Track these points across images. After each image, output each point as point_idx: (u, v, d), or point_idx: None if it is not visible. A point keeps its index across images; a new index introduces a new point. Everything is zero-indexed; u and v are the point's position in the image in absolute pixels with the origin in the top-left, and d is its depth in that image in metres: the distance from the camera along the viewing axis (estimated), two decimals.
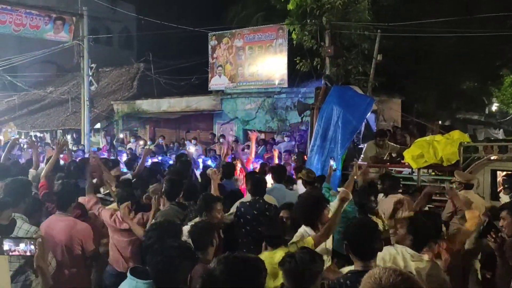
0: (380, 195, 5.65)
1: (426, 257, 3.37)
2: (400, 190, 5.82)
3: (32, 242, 2.41)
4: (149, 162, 9.04)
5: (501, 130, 20.73)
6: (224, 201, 5.38)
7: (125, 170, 8.01)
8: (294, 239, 3.93)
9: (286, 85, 15.78)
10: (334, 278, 2.90)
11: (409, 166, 7.18)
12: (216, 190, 5.07)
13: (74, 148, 15.08)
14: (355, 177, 5.60)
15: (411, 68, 16.31)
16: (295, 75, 15.23)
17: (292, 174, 7.54)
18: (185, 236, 3.55)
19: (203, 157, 11.43)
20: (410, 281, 1.61)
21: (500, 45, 15.99)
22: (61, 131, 22.54)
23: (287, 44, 15.54)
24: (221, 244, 4.12)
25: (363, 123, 8.60)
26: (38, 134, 21.99)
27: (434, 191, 5.61)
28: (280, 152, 10.55)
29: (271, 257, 3.50)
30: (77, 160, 8.24)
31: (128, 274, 2.78)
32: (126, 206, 4.43)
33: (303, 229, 4.02)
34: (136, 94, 21.70)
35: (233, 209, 5.07)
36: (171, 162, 9.58)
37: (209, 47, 17.81)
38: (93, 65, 17.87)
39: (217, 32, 17.64)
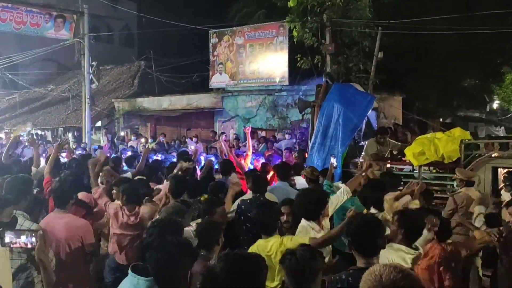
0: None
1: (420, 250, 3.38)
2: (401, 188, 5.82)
3: (33, 235, 2.41)
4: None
5: (502, 127, 20.73)
6: (224, 199, 5.41)
7: (125, 168, 8.01)
8: (298, 233, 3.95)
9: (287, 82, 15.76)
10: (336, 275, 2.91)
11: (410, 164, 7.19)
12: (229, 202, 4.90)
13: (74, 146, 15.11)
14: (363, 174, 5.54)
15: (412, 65, 16.30)
16: (296, 73, 15.21)
17: None
18: (190, 238, 3.57)
19: (204, 154, 11.45)
20: (411, 278, 1.61)
21: (501, 42, 15.98)
22: (62, 129, 22.56)
23: (288, 42, 15.51)
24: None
25: (364, 121, 8.60)
26: (39, 132, 22.02)
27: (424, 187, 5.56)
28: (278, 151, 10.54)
29: (265, 245, 3.51)
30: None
31: (129, 271, 2.78)
32: None
33: (305, 223, 4.02)
34: (137, 92, 21.70)
35: (234, 207, 5.07)
36: (174, 160, 9.58)
37: (210, 44, 17.78)
38: (94, 63, 17.87)
39: (218, 30, 17.62)
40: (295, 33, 13.90)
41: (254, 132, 15.42)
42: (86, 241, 4.20)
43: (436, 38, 14.54)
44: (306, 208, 4.04)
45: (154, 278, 2.55)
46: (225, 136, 14.58)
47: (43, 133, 22.20)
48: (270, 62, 16.17)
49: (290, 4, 13.25)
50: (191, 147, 12.95)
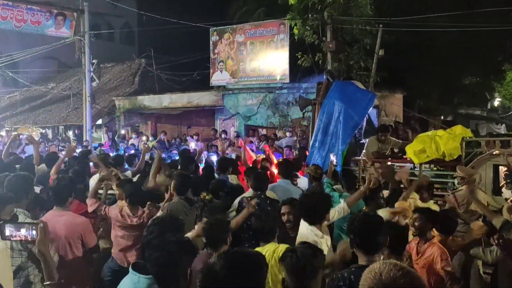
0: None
1: None
2: (402, 185, 5.82)
3: (33, 227, 2.39)
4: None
5: (503, 125, 20.68)
6: (225, 197, 5.42)
7: (126, 167, 8.01)
8: (298, 239, 3.87)
9: (287, 80, 15.75)
10: (338, 273, 2.91)
11: (411, 161, 7.17)
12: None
13: (74, 144, 15.11)
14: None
15: (413, 63, 16.26)
16: (296, 70, 15.20)
17: None
18: None
19: (205, 152, 11.45)
20: (410, 275, 1.60)
21: (503, 40, 15.94)
22: (62, 127, 22.57)
23: (288, 39, 15.50)
24: None
25: (365, 119, 8.58)
26: (40, 130, 22.02)
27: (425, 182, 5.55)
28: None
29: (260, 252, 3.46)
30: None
31: (130, 269, 2.78)
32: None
33: (307, 228, 3.90)
34: (137, 90, 21.68)
35: (234, 205, 5.08)
36: (177, 158, 9.58)
37: (211, 42, 17.77)
38: (95, 61, 17.87)
39: (218, 28, 17.61)
40: (295, 31, 13.88)
41: (255, 130, 15.43)
42: (86, 238, 4.21)
43: (437, 36, 14.51)
44: (309, 211, 3.94)
45: (153, 276, 2.55)
46: (226, 134, 14.58)
47: (43, 131, 22.22)
48: (271, 59, 16.16)
49: (291, 1, 13.24)
50: (192, 145, 12.96)
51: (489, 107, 22.68)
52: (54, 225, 4.07)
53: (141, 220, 4.73)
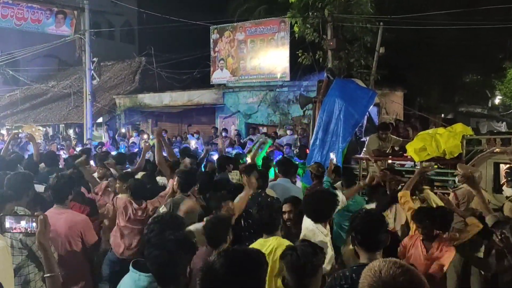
0: None
1: None
2: (403, 184, 5.81)
3: (33, 220, 2.39)
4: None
5: (504, 123, 20.65)
6: (227, 195, 5.42)
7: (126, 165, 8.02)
8: (303, 236, 3.86)
9: (288, 78, 15.74)
10: (340, 272, 2.92)
11: (411, 159, 7.17)
12: (245, 198, 4.66)
13: (74, 142, 15.14)
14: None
15: (414, 60, 16.25)
16: (297, 68, 15.19)
17: None
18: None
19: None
20: (410, 273, 1.60)
21: (503, 38, 15.92)
22: (63, 125, 22.58)
23: (289, 37, 15.49)
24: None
25: (365, 116, 8.57)
26: (41, 128, 22.03)
27: (427, 170, 5.54)
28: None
29: (263, 244, 3.48)
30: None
31: (131, 267, 2.78)
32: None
33: (312, 225, 3.86)
34: (138, 88, 21.68)
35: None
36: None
37: (211, 40, 17.76)
38: (95, 59, 17.88)
39: (218, 26, 17.59)
40: (296, 29, 13.87)
41: (255, 128, 15.43)
42: (86, 236, 4.21)
43: (438, 33, 14.49)
44: (315, 210, 3.90)
45: (153, 274, 2.55)
46: (226, 132, 14.58)
47: (44, 129, 22.23)
48: (271, 57, 16.15)
49: None
50: (192, 143, 12.98)
51: (489, 105, 22.66)
52: (54, 223, 4.05)
53: (145, 214, 4.83)
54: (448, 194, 5.97)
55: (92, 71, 17.79)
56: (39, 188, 5.09)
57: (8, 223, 2.39)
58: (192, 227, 3.86)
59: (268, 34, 16.26)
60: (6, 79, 23.56)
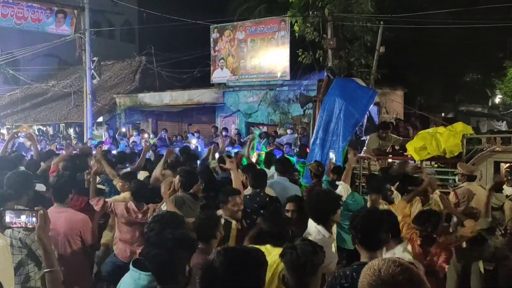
0: None
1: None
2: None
3: (33, 214, 2.39)
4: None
5: (504, 122, 20.67)
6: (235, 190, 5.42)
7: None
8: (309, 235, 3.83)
9: (288, 77, 15.73)
10: (340, 270, 2.92)
11: (412, 158, 7.17)
12: (236, 179, 4.94)
13: (75, 142, 15.13)
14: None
15: (414, 60, 16.25)
16: (297, 68, 15.19)
17: None
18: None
19: (206, 149, 11.45)
20: (409, 272, 1.60)
21: (504, 37, 15.91)
22: (63, 124, 22.58)
23: (289, 36, 15.47)
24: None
25: (366, 116, 8.57)
26: (41, 128, 22.05)
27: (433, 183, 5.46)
28: None
29: (269, 251, 3.42)
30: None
31: (131, 266, 2.79)
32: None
33: (315, 227, 3.80)
34: (138, 87, 21.68)
35: None
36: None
37: (211, 39, 17.74)
38: (95, 59, 17.86)
39: (219, 25, 17.57)
40: (296, 28, 13.86)
41: (255, 127, 15.43)
42: (85, 235, 4.21)
43: (438, 33, 14.48)
44: (316, 209, 3.86)
45: (152, 273, 2.55)
46: (227, 131, 14.58)
47: (45, 128, 22.23)
48: (272, 57, 16.13)
49: None
50: (193, 142, 12.99)
51: (490, 104, 22.68)
52: (55, 222, 4.05)
53: (146, 217, 4.75)
54: (448, 193, 5.97)
55: (92, 71, 17.77)
56: (42, 188, 5.10)
57: (8, 217, 2.39)
58: None
59: (268, 33, 16.25)
60: (7, 79, 23.58)
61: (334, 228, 4.18)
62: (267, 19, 16.52)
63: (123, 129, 19.24)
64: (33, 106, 24.08)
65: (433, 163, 7.49)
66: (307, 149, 9.14)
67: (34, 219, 2.37)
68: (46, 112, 23.03)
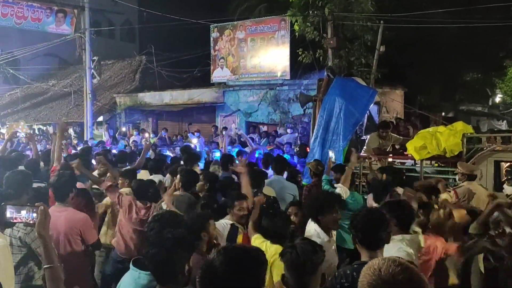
0: None
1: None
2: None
3: (34, 210, 2.39)
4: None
5: (505, 121, 20.66)
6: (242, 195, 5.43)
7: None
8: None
9: (288, 77, 15.72)
10: (340, 270, 2.92)
11: (412, 158, 7.17)
12: (246, 184, 4.72)
13: (76, 142, 15.13)
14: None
15: (414, 59, 16.23)
16: (297, 67, 15.18)
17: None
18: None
19: (207, 149, 11.49)
20: (410, 271, 1.59)
21: (504, 36, 15.89)
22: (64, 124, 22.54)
23: (289, 36, 15.46)
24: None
25: (366, 115, 8.57)
26: (41, 127, 22.05)
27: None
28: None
29: (267, 247, 3.45)
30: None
31: (131, 265, 2.79)
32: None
33: (313, 229, 3.83)
34: (138, 87, 21.68)
35: None
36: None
37: (211, 39, 17.73)
38: (95, 58, 17.87)
39: (219, 24, 17.56)
40: (296, 27, 13.85)
41: (255, 126, 15.44)
42: (85, 234, 4.21)
43: (438, 31, 14.46)
44: (311, 208, 3.89)
45: (151, 273, 2.55)
46: (227, 131, 14.57)
47: (45, 128, 22.23)
48: (272, 56, 16.13)
49: None
50: (193, 141, 12.99)
51: (490, 103, 22.68)
52: (55, 222, 4.06)
53: (148, 214, 4.76)
54: (449, 192, 5.96)
55: (93, 70, 17.78)
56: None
57: (9, 212, 2.39)
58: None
59: (268, 32, 16.24)
60: (7, 78, 23.59)
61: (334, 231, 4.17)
62: (267, 19, 16.52)
63: (123, 129, 19.25)
64: (33, 106, 24.09)
65: (433, 162, 7.49)
66: (307, 148, 9.14)
67: (34, 214, 2.37)
68: (46, 112, 23.03)
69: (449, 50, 16.23)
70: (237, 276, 1.78)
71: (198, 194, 5.10)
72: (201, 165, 7.95)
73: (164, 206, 4.72)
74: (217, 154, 9.94)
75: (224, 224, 4.04)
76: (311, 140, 8.67)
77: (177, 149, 11.22)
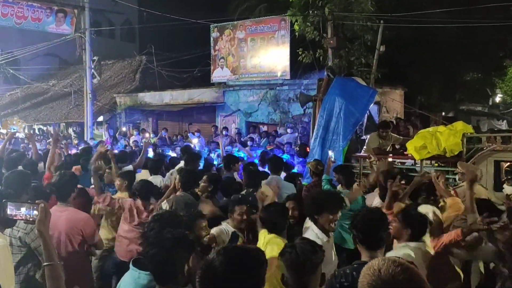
0: None
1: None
2: (403, 181, 5.78)
3: (34, 207, 2.39)
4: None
5: (505, 121, 20.66)
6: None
7: None
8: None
9: (288, 76, 15.72)
10: (340, 270, 2.92)
11: (412, 158, 7.17)
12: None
13: (76, 142, 15.14)
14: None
15: (414, 58, 16.23)
16: (297, 67, 15.17)
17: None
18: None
19: (206, 149, 11.49)
20: (409, 271, 1.59)
21: (504, 36, 15.89)
22: (64, 124, 22.58)
23: (289, 36, 15.46)
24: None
25: (366, 115, 8.57)
26: (42, 127, 22.06)
27: (422, 180, 5.35)
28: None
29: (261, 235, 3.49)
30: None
31: (131, 265, 2.79)
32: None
33: (312, 230, 3.76)
34: (138, 86, 21.68)
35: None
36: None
37: (211, 39, 17.73)
38: (95, 58, 17.87)
39: (219, 24, 17.56)
40: (296, 27, 13.85)
41: (255, 126, 15.43)
42: (86, 234, 4.20)
43: (438, 31, 14.47)
44: (310, 207, 3.85)
45: (151, 273, 2.55)
46: (227, 130, 14.58)
47: (45, 128, 22.24)
48: (272, 56, 16.12)
49: None
50: (194, 141, 12.99)
51: (490, 103, 22.67)
52: (56, 221, 4.07)
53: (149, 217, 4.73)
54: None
55: (93, 70, 17.78)
56: None
57: (9, 209, 2.39)
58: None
59: (268, 32, 16.24)
60: (7, 78, 23.59)
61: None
62: (267, 18, 16.51)
63: (124, 129, 19.25)
64: (34, 106, 24.09)
65: (433, 162, 7.49)
66: (307, 148, 9.14)
67: (35, 212, 2.37)
68: (47, 112, 23.04)
69: (449, 50, 16.23)
70: (237, 276, 1.78)
71: (197, 194, 5.09)
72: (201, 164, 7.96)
73: (164, 206, 4.72)
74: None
75: (226, 231, 4.04)
76: (311, 140, 8.68)
77: (178, 149, 11.22)
